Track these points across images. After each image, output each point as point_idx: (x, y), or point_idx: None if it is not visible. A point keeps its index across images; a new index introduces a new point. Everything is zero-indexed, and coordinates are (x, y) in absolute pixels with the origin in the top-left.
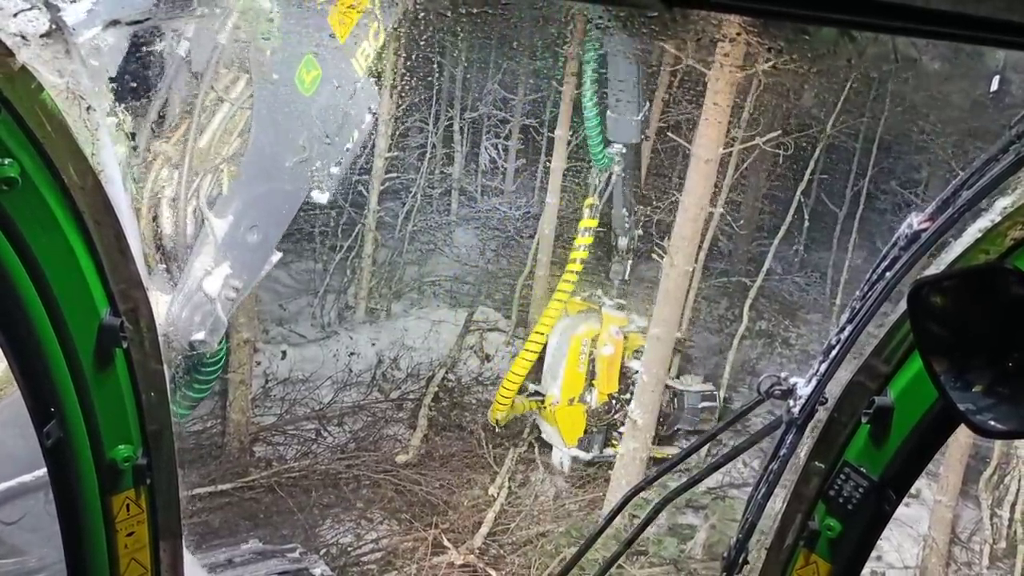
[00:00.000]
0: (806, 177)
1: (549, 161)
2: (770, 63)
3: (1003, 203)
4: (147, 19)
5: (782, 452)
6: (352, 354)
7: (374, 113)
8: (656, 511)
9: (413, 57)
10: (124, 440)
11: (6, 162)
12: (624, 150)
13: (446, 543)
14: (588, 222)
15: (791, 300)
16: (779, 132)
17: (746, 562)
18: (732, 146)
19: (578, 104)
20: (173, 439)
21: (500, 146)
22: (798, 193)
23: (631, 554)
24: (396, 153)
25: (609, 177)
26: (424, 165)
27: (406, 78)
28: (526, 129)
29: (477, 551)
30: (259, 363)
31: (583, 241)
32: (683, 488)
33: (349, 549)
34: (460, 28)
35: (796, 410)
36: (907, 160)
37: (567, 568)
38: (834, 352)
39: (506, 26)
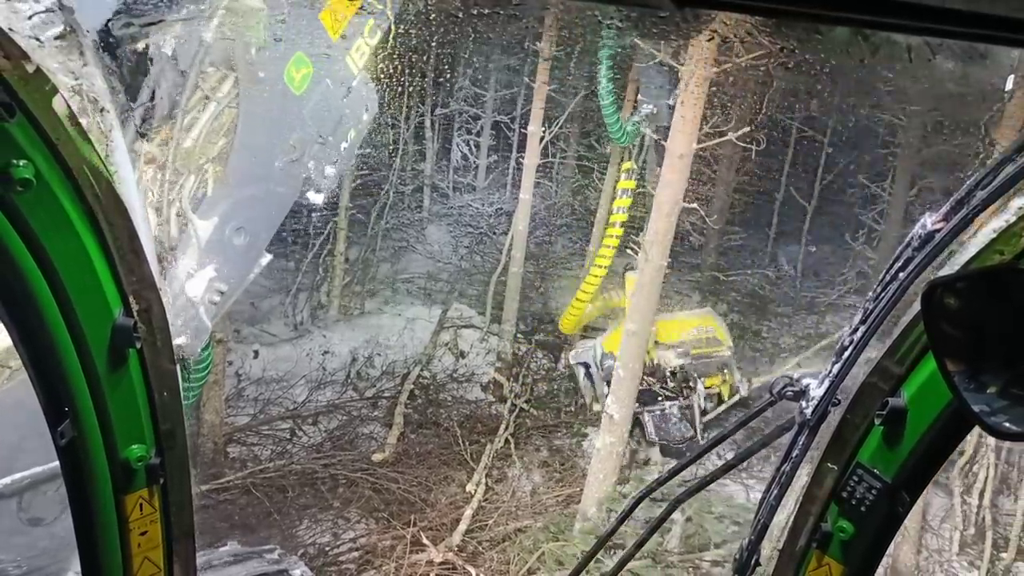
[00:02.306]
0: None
1: (521, 157)
2: (743, 59)
3: (1018, 203)
4: (160, 20)
5: (794, 453)
6: (326, 353)
7: (371, 112)
8: (668, 511)
9: (384, 53)
10: (137, 440)
11: (21, 163)
12: (655, 111)
13: (425, 541)
14: (626, 183)
15: (761, 294)
16: (749, 127)
17: (758, 563)
18: (705, 142)
19: (551, 99)
20: (186, 439)
21: (472, 142)
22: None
23: (609, 548)
24: (367, 150)
25: (642, 139)
26: (396, 162)
27: (379, 75)
28: (497, 125)
29: (456, 548)
30: (231, 363)
31: (622, 203)
32: (695, 488)
33: (327, 549)
34: (435, 24)
35: (809, 411)
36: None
37: (578, 569)
38: (847, 353)
39: (480, 23)
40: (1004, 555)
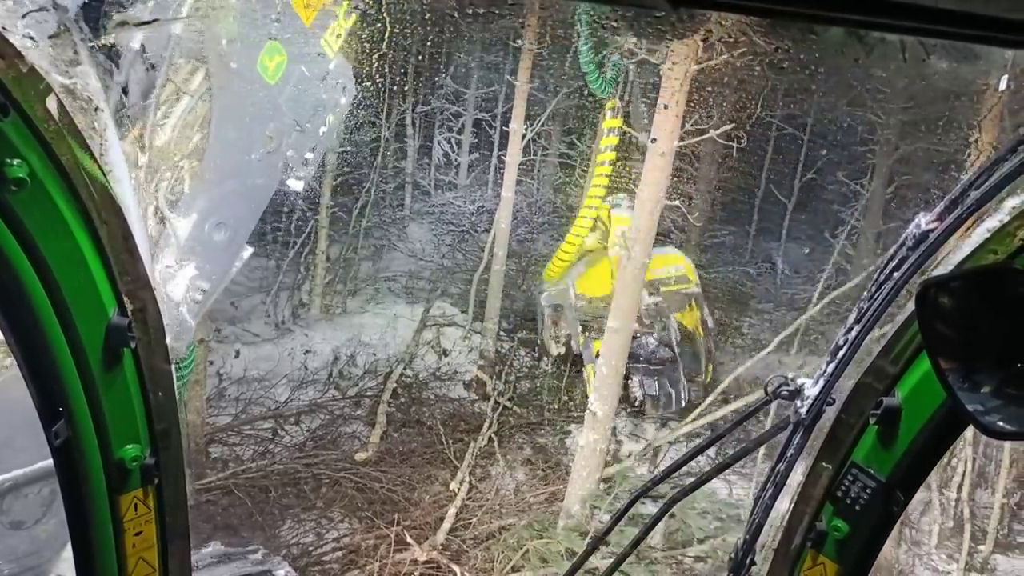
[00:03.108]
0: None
1: (503, 155)
2: (725, 56)
3: (1012, 203)
4: (155, 20)
5: (789, 452)
6: (308, 352)
7: (349, 95)
8: (664, 510)
9: (364, 50)
10: (132, 440)
11: (15, 163)
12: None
13: (408, 540)
14: (612, 122)
15: (742, 290)
16: (731, 125)
17: (753, 563)
18: (686, 139)
19: (533, 97)
20: (181, 439)
21: (453, 140)
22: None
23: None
24: (348, 148)
25: (627, 75)
26: (377, 160)
27: (358, 71)
28: (479, 123)
29: (440, 547)
30: (212, 362)
31: (609, 142)
32: (690, 488)
33: (310, 549)
34: (418, 22)
35: (803, 411)
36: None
37: (573, 569)
38: (842, 352)
39: (463, 20)
40: (982, 547)
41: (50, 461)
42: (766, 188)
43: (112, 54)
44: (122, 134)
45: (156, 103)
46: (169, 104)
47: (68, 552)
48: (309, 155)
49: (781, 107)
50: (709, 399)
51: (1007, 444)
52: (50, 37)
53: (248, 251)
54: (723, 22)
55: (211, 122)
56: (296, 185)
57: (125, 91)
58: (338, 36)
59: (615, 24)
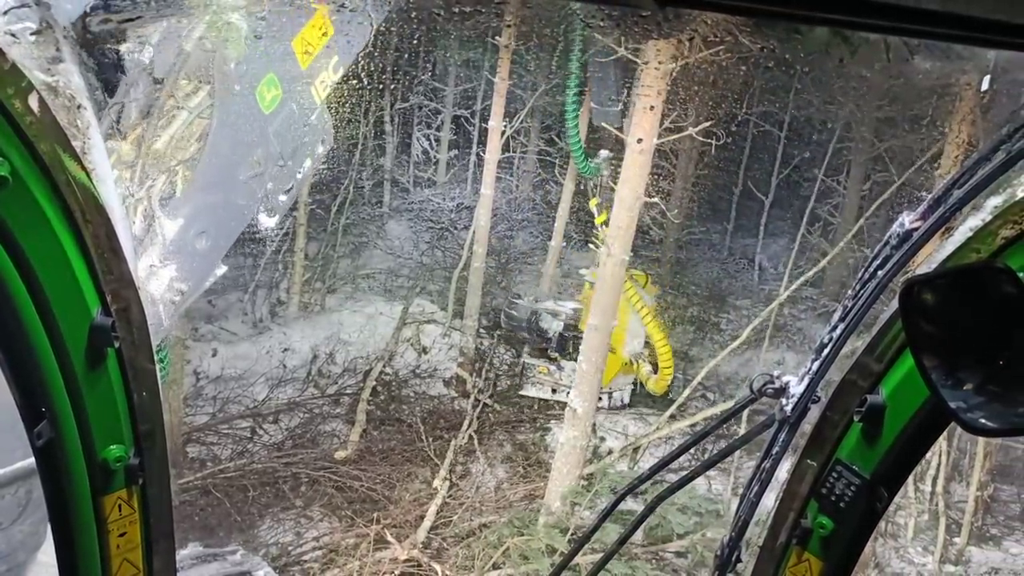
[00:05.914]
0: None
1: (481, 151)
2: (702, 54)
3: (994, 202)
4: (138, 17)
5: (775, 450)
6: (286, 350)
7: (326, 145)
8: (650, 509)
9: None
10: (116, 440)
11: None
12: (611, 155)
13: (389, 538)
14: (602, 218)
15: (720, 287)
16: (711, 122)
17: (739, 560)
18: (665, 136)
19: (512, 94)
20: (165, 439)
21: (432, 137)
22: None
23: (570, 543)
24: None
25: (601, 180)
26: (355, 157)
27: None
28: (458, 119)
29: (420, 545)
30: (188, 361)
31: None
32: (677, 486)
33: (289, 548)
34: (399, 18)
35: (789, 408)
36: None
37: (559, 569)
38: (826, 350)
39: (443, 18)
40: (957, 540)
41: (27, 462)
42: (743, 185)
43: (118, 61)
44: (122, 134)
45: (158, 112)
46: (170, 115)
47: (44, 554)
48: (283, 197)
49: (758, 105)
50: (686, 392)
51: (981, 438)
52: (32, 34)
53: (222, 269)
54: (708, 22)
55: (209, 134)
56: (268, 221)
57: (127, 96)
58: (326, 86)
59: (601, 23)
